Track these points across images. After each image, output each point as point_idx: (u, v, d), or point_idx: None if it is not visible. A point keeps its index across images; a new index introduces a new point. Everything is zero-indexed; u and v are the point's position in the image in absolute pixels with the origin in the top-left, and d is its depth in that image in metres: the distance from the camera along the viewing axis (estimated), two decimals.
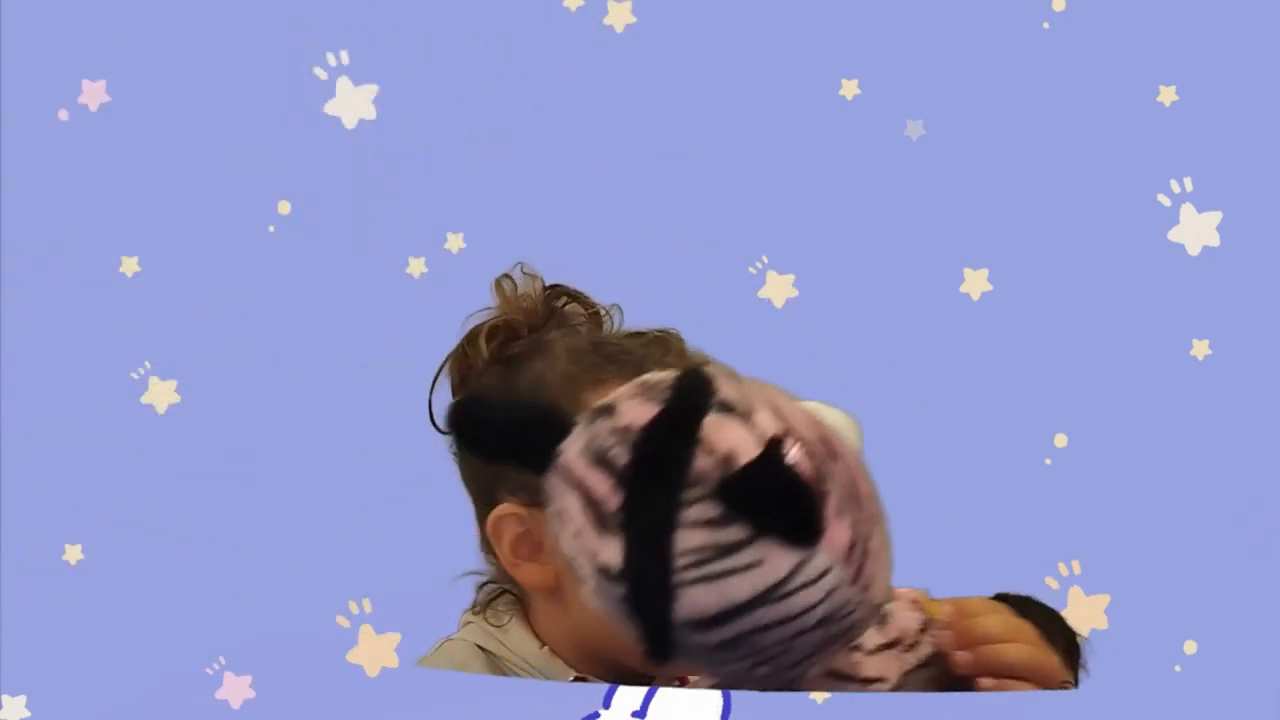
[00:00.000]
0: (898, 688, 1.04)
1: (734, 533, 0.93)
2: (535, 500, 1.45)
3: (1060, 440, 2.18)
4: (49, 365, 2.16)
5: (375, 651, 2.06)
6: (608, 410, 0.94)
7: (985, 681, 1.09)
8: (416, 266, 2.21)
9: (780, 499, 0.92)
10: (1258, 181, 2.21)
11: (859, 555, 0.97)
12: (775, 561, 0.93)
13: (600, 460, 0.97)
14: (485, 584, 1.52)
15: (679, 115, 2.17)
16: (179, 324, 2.19)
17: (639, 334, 1.54)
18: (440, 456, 1.55)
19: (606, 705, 1.36)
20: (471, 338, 1.53)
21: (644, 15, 2.23)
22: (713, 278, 2.08)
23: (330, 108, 2.20)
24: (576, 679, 1.47)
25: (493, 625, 1.49)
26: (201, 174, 2.20)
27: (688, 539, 0.93)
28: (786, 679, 1.01)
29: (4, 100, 2.18)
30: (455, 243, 2.22)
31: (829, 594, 0.95)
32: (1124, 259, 2.19)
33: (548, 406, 0.99)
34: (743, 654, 0.96)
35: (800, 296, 2.08)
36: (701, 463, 0.93)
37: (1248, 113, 2.22)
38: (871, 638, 1.04)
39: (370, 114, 2.20)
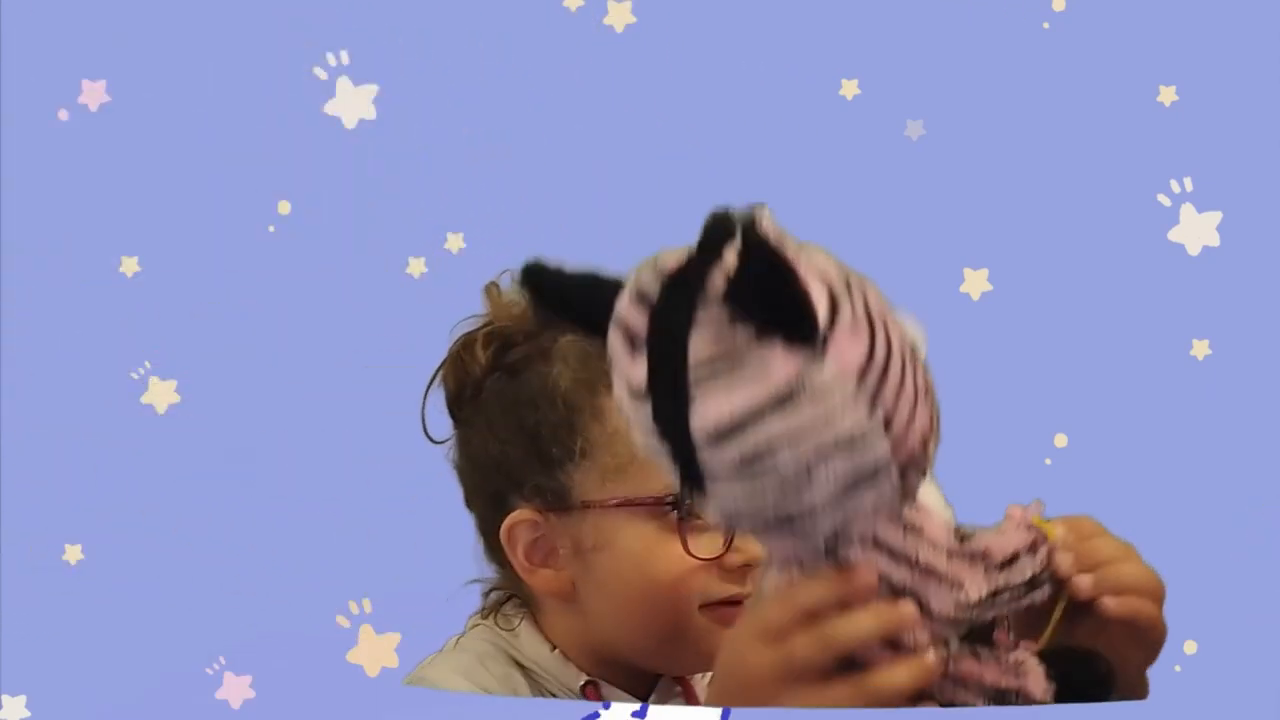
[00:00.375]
0: (984, 604, 1.04)
1: (738, 339, 0.94)
2: (549, 505, 1.45)
3: (1060, 440, 2.18)
4: (49, 365, 2.16)
5: (375, 651, 2.06)
6: (653, 259, 0.98)
7: (1108, 602, 1.10)
8: (416, 266, 2.21)
9: (780, 300, 0.94)
10: (1258, 181, 2.21)
11: (874, 383, 0.97)
12: (778, 366, 0.94)
13: (639, 298, 1.01)
14: (491, 589, 1.52)
15: (679, 115, 2.17)
16: (179, 324, 2.19)
17: None
18: (440, 456, 1.54)
19: (607, 705, 1.36)
20: (467, 344, 1.52)
21: (644, 15, 2.23)
22: None
23: (330, 108, 2.20)
24: (588, 682, 1.47)
25: (503, 629, 1.49)
26: (201, 174, 2.20)
27: (698, 348, 0.95)
28: (827, 534, 1.01)
29: (4, 100, 2.18)
30: (455, 243, 2.22)
31: (839, 414, 0.95)
32: (1124, 259, 2.19)
33: (610, 282, 1.01)
34: (764, 479, 0.96)
35: None
36: (716, 277, 0.95)
37: (1248, 113, 2.22)
38: (946, 536, 1.05)
39: (370, 114, 2.20)
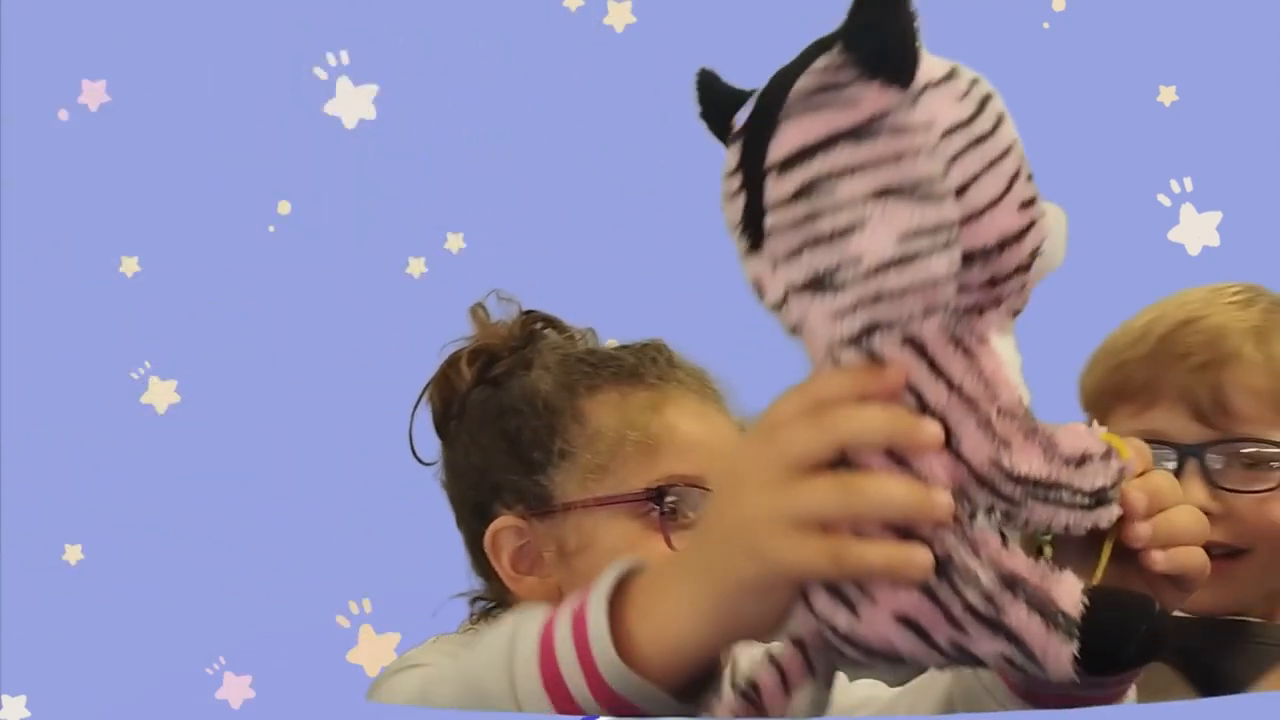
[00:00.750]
0: (1032, 489, 0.90)
1: (842, 74, 0.90)
2: (532, 510, 1.45)
3: None
4: (49, 365, 2.16)
5: (375, 651, 2.06)
6: None
7: (1157, 556, 0.98)
8: (416, 266, 2.21)
9: (889, 41, 0.90)
10: (1258, 181, 2.21)
11: (960, 147, 0.91)
12: (868, 101, 0.89)
13: None
14: (477, 599, 1.52)
15: (679, 115, 2.17)
16: (179, 324, 2.19)
17: (626, 345, 1.54)
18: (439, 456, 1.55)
19: None
20: (452, 362, 1.51)
21: (644, 15, 2.23)
22: (713, 277, 2.08)
23: (330, 108, 2.20)
24: None
25: None
26: (201, 174, 2.20)
27: (802, 84, 0.92)
28: (866, 310, 0.89)
29: (4, 100, 2.18)
30: (455, 243, 2.22)
31: (912, 157, 0.89)
32: (1124, 259, 2.19)
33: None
34: (817, 219, 0.89)
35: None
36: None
37: (1248, 113, 2.22)
38: (1008, 392, 0.90)
39: (370, 114, 2.20)
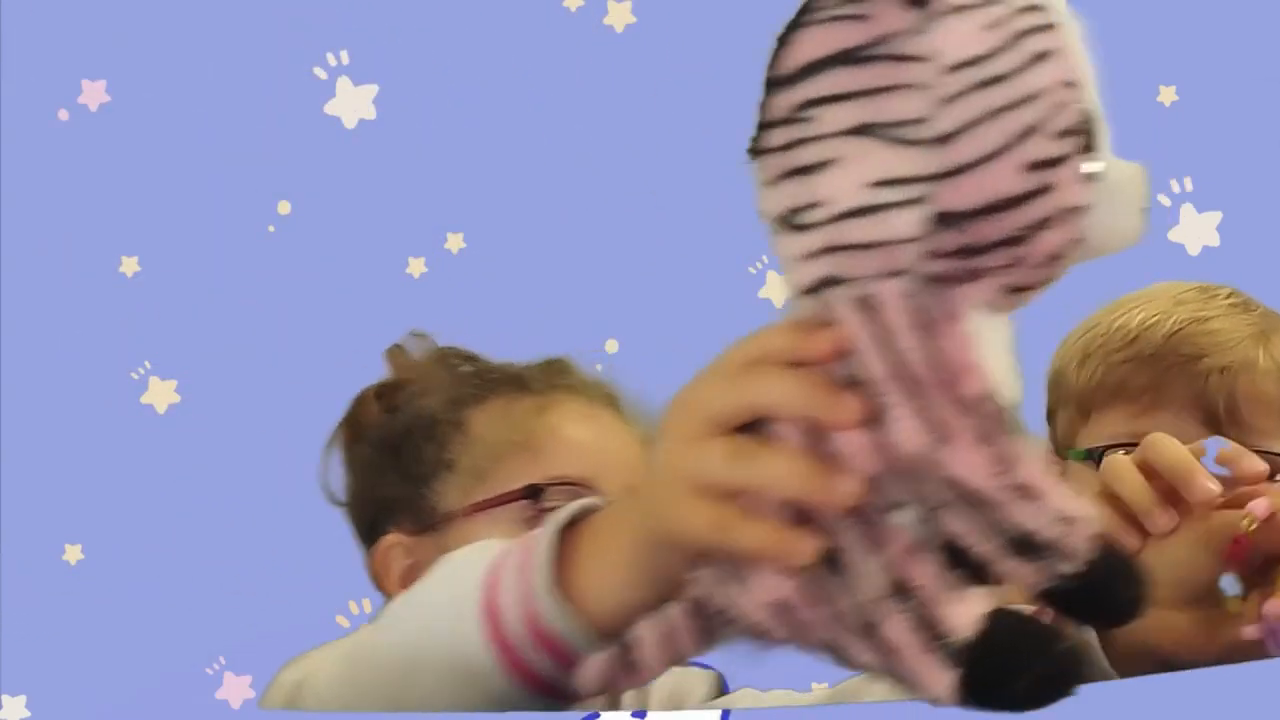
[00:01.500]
0: (966, 498, 0.79)
1: None
2: (418, 527, 1.41)
3: None
4: (49, 365, 2.16)
5: None
6: None
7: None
8: (416, 266, 2.21)
9: None
10: (1258, 181, 2.21)
11: (964, 86, 0.77)
12: (880, 18, 0.77)
13: None
14: None
15: (679, 115, 2.17)
16: (179, 324, 2.19)
17: (528, 365, 1.49)
18: None
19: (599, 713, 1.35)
20: (360, 399, 1.50)
21: (644, 15, 2.23)
22: (713, 278, 2.08)
23: (330, 108, 2.20)
24: None
25: None
26: (201, 174, 2.20)
27: None
28: (819, 262, 0.80)
29: (4, 100, 2.18)
30: (455, 243, 2.22)
31: (902, 91, 0.77)
32: (1124, 259, 2.19)
33: None
34: (799, 147, 0.79)
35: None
36: None
37: (1248, 113, 2.22)
38: (979, 386, 0.79)
39: (370, 114, 2.20)
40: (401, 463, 1.43)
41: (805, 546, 0.79)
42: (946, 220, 0.78)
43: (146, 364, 2.17)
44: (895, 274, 0.78)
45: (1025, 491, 0.79)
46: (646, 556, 0.85)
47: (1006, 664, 0.79)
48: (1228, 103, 2.22)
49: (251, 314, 2.18)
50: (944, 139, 0.78)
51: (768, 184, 0.82)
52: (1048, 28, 0.81)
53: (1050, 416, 1.50)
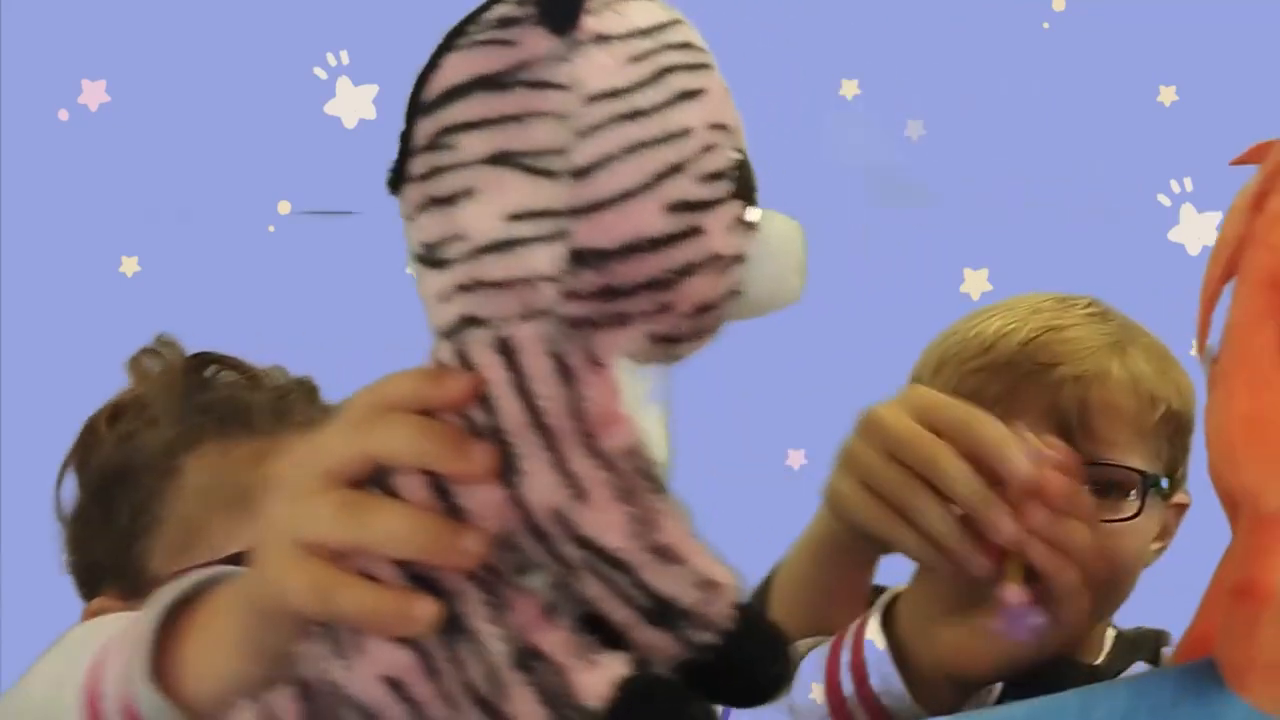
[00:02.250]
0: (613, 568, 0.74)
1: (525, 8, 0.75)
2: (133, 594, 1.23)
3: None
4: (49, 365, 2.16)
5: None
6: None
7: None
8: None
9: None
10: None
11: (603, 119, 0.73)
12: (524, 45, 0.75)
13: None
14: None
15: None
16: (179, 324, 2.19)
17: (274, 386, 1.35)
18: None
19: None
20: (90, 426, 1.34)
21: None
22: None
23: (330, 108, 2.20)
24: None
25: None
26: (201, 174, 2.20)
27: (493, 11, 0.77)
28: (453, 306, 0.77)
29: (4, 100, 2.18)
30: None
31: (539, 121, 0.73)
32: (1124, 259, 2.19)
33: None
34: (437, 176, 0.75)
35: (801, 296, 2.08)
36: None
37: (1248, 113, 2.22)
38: (627, 438, 0.74)
39: (370, 114, 2.20)
40: (110, 514, 1.28)
41: (420, 612, 0.72)
42: (585, 259, 0.73)
43: None
44: (534, 315, 0.74)
45: (665, 554, 0.74)
46: (255, 629, 0.76)
47: None
48: (1228, 103, 2.22)
49: (251, 314, 2.18)
50: (582, 172, 0.73)
51: (408, 216, 0.76)
52: (698, 67, 0.77)
53: None
